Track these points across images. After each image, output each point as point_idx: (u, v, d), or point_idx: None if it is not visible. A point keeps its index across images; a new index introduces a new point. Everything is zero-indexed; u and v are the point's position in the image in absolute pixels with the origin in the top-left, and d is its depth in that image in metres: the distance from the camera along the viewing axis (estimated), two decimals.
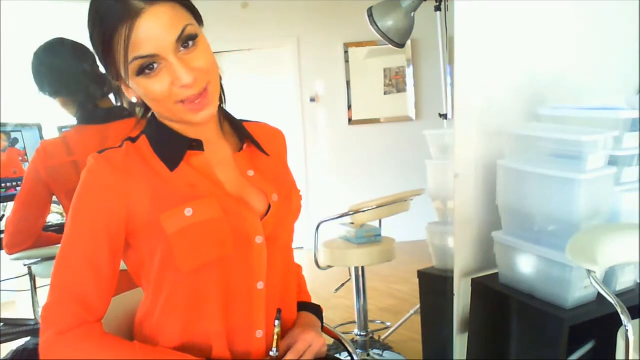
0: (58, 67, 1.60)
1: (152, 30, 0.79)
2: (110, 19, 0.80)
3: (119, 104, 1.66)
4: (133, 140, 0.93)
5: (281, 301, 0.96)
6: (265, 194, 0.95)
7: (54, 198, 1.66)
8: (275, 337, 0.92)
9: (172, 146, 0.91)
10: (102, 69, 1.62)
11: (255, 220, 0.90)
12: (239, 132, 1.00)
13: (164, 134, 0.92)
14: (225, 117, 1.00)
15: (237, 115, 1.03)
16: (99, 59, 0.87)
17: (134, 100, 0.90)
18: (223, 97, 0.99)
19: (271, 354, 0.91)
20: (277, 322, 0.92)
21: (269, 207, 0.94)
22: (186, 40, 0.82)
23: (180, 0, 0.84)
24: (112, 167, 0.87)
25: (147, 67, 0.81)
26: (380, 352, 2.68)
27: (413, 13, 2.52)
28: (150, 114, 0.95)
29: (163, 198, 0.86)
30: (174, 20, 0.81)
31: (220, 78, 0.96)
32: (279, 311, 0.92)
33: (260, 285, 0.91)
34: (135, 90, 0.86)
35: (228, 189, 0.92)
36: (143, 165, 0.89)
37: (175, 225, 0.84)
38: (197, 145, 0.92)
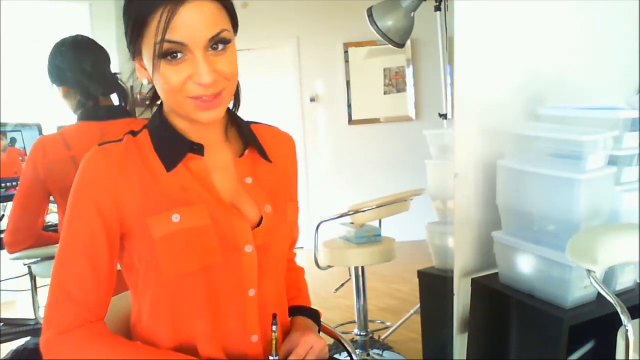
0: (64, 60, 1.62)
1: (191, 21, 0.79)
2: None
3: (121, 104, 1.69)
4: (134, 134, 0.92)
5: (276, 307, 0.95)
6: (258, 205, 0.94)
7: (52, 198, 1.66)
8: (274, 342, 0.91)
9: (173, 146, 0.90)
10: (108, 67, 1.62)
11: (246, 230, 0.89)
12: (244, 136, 0.98)
13: (167, 132, 0.91)
14: (234, 121, 0.99)
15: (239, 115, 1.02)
16: (127, 32, 0.86)
17: (145, 82, 0.89)
18: (238, 104, 0.98)
19: (271, 358, 0.90)
20: (274, 328, 0.91)
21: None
22: (218, 42, 0.82)
23: (226, 3, 0.84)
24: (107, 162, 0.86)
25: (170, 53, 0.81)
26: (380, 352, 2.68)
27: (413, 13, 2.52)
28: (155, 110, 0.94)
29: (153, 200, 0.85)
30: (214, 19, 0.81)
31: (239, 83, 0.95)
32: (275, 316, 0.91)
33: (251, 292, 0.90)
34: (152, 74, 0.85)
35: (222, 196, 0.91)
36: (139, 161, 0.88)
37: (161, 230, 0.84)
38: (198, 149, 0.91)
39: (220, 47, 0.83)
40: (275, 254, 0.95)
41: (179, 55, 0.81)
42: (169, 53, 0.81)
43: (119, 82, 1.67)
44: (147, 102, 0.97)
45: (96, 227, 0.85)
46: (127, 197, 0.85)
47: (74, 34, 1.69)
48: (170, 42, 0.79)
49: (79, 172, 0.87)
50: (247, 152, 0.97)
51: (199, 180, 0.89)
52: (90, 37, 1.75)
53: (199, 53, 0.80)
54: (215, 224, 0.86)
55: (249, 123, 1.02)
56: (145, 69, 0.87)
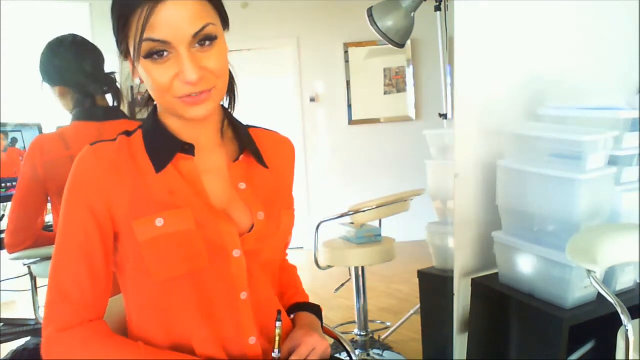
0: (63, 60, 1.62)
1: (172, 18, 0.78)
2: None
3: (115, 105, 1.70)
4: (129, 134, 0.92)
5: (272, 310, 0.94)
6: (251, 211, 0.92)
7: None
8: (277, 338, 0.90)
9: (164, 146, 0.89)
10: (105, 67, 1.63)
11: (232, 234, 0.87)
12: (241, 140, 0.97)
13: (159, 132, 0.90)
14: (230, 122, 0.98)
15: (238, 116, 1.00)
16: (114, 31, 0.86)
17: (137, 82, 0.88)
18: (233, 103, 0.98)
19: (273, 355, 0.90)
20: (278, 324, 0.90)
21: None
22: (204, 39, 0.81)
23: None
24: (98, 161, 0.86)
25: (156, 52, 0.80)
26: (380, 352, 2.68)
27: (413, 13, 2.52)
28: (150, 109, 0.94)
29: (140, 202, 0.85)
30: (197, 15, 0.80)
31: (234, 80, 0.94)
32: (279, 312, 0.91)
33: (243, 295, 0.89)
34: (141, 73, 0.85)
35: (212, 200, 0.90)
36: (130, 162, 0.88)
37: (145, 234, 0.83)
38: (189, 148, 0.90)
39: (207, 43, 0.81)
40: (266, 260, 0.93)
41: (165, 53, 0.80)
42: (154, 52, 0.80)
43: (114, 82, 1.67)
44: (146, 102, 0.97)
45: (90, 227, 0.85)
46: (118, 198, 0.85)
47: (67, 33, 1.68)
48: (152, 40, 0.79)
49: (72, 171, 0.87)
50: (242, 157, 0.96)
51: (189, 183, 0.88)
52: (90, 37, 1.75)
53: (183, 50, 0.79)
54: (201, 229, 0.85)
55: (248, 127, 1.01)
56: (137, 69, 0.86)
